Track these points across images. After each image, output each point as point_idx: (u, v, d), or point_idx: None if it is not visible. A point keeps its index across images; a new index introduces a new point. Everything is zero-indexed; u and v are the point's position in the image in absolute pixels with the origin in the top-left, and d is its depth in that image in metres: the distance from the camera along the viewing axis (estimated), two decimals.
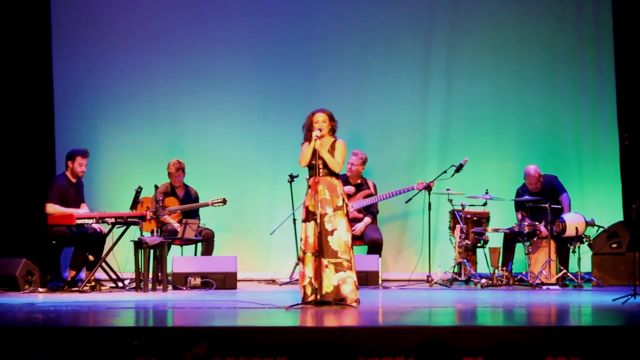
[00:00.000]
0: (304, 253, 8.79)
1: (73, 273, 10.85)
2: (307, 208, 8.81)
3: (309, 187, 8.85)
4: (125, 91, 12.40)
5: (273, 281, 11.73)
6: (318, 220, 8.62)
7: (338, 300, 8.69)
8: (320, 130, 8.76)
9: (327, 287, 8.64)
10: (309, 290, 8.73)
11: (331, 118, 8.90)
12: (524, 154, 12.01)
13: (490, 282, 10.91)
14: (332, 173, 8.78)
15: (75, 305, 9.17)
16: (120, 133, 12.45)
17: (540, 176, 11.34)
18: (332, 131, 8.89)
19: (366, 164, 11.74)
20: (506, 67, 12.26)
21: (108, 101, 12.40)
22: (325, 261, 8.65)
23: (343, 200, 8.81)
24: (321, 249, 8.64)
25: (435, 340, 5.51)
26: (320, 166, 8.75)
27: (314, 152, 8.70)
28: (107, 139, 12.44)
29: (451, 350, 5.50)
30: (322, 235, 8.66)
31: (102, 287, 10.70)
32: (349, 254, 8.75)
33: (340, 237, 8.71)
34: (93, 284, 10.58)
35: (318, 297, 8.62)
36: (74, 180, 10.97)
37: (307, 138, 8.84)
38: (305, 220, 8.82)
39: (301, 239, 8.87)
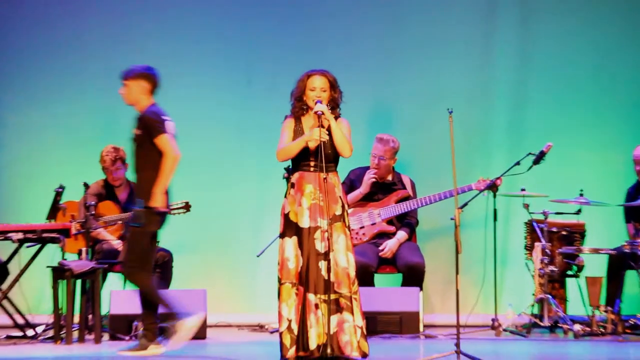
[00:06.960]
0: (281, 283, 7.62)
1: None
2: (286, 217, 7.65)
3: (292, 185, 7.70)
4: (40, 49, 11.12)
5: (261, 327, 10.16)
6: (323, 230, 7.49)
7: (338, 356, 7.52)
8: (321, 102, 7.50)
9: (319, 337, 7.38)
10: (287, 341, 7.46)
11: (333, 85, 7.58)
12: (635, 139, 10.31)
13: (588, 329, 9.64)
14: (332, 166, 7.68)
15: None
16: (34, 108, 11.14)
17: None
18: (333, 105, 7.57)
19: (398, 154, 10.14)
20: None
21: (14, 66, 11.22)
22: (314, 298, 7.43)
23: (343, 205, 7.56)
24: (307, 280, 7.47)
25: None
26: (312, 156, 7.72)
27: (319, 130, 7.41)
28: (14, 116, 11.15)
29: None
30: (309, 259, 7.46)
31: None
32: (350, 286, 7.53)
33: (337, 262, 7.47)
34: None
35: (316, 350, 7.35)
36: None
37: (297, 112, 7.65)
38: (283, 235, 7.62)
39: (278, 263, 7.70)
